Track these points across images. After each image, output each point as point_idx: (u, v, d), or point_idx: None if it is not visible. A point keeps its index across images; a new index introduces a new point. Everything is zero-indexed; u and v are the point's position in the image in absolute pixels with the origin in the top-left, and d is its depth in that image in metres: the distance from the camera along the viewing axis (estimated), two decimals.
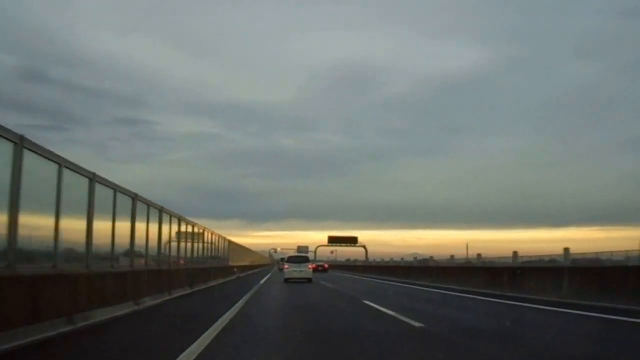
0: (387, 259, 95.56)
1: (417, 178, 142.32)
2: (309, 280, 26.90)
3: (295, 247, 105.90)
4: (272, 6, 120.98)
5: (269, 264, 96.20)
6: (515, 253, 23.16)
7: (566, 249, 17.77)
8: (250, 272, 47.97)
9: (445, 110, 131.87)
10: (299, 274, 27.05)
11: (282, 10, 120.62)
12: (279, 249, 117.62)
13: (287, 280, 26.83)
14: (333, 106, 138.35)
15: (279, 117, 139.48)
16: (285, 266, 28.94)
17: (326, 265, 62.58)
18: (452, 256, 32.56)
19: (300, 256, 31.60)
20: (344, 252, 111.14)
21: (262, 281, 28.12)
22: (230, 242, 33.97)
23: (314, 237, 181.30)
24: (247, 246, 62.02)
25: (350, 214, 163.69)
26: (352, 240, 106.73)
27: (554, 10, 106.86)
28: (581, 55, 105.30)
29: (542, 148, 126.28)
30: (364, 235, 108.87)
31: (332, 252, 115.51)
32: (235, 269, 34.14)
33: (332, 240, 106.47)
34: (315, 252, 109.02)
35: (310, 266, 28.58)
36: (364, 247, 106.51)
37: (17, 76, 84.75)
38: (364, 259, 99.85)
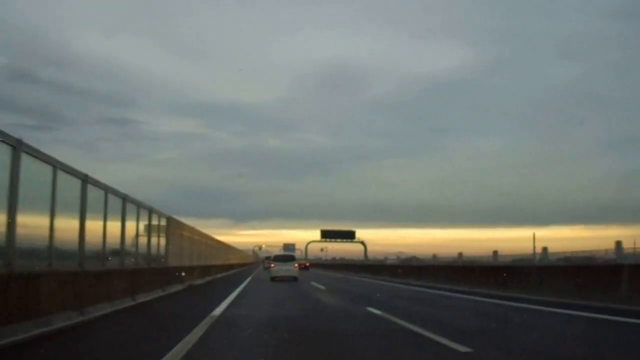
0: (392, 257, 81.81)
1: (403, 178, 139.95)
2: (295, 278, 26.59)
3: (282, 245, 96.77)
4: (259, 7, 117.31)
5: (252, 262, 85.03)
6: None
7: None
8: (220, 275, 32.61)
9: (431, 110, 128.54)
10: (285, 273, 27.00)
11: (268, 11, 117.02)
12: (263, 246, 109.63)
13: (273, 279, 26.12)
14: (319, 106, 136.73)
15: (265, 117, 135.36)
16: (272, 265, 28.41)
17: (308, 264, 64.09)
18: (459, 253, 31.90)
19: (287, 255, 31.23)
20: (339, 249, 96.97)
21: (225, 303, 13.01)
22: (171, 222, 18.44)
23: (301, 236, 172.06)
24: (232, 245, 56.53)
25: (336, 213, 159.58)
26: (349, 235, 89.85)
27: (539, 11, 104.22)
28: (566, 56, 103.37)
29: (527, 148, 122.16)
30: None
31: (322, 249, 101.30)
32: (184, 273, 18.89)
33: (326, 235, 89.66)
34: (306, 249, 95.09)
35: (296, 265, 28.48)
36: (362, 243, 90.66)
37: (6, 76, 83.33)
38: (356, 257, 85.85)
